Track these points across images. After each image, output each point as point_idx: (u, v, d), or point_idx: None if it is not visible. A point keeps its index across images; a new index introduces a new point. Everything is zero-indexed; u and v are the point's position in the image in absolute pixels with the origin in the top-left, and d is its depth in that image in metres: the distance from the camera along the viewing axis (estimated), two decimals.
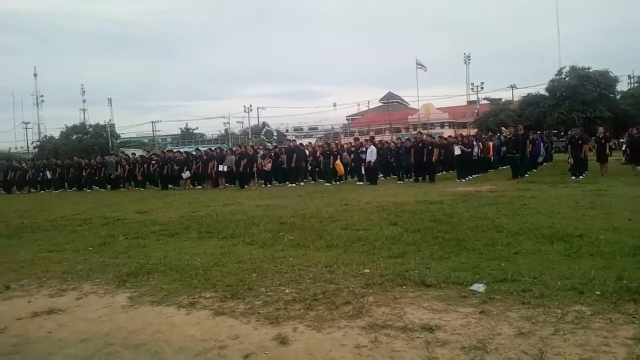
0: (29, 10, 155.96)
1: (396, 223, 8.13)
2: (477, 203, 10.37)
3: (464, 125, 61.24)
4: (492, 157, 22.22)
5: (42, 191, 25.63)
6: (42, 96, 68.99)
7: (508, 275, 4.82)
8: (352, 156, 20.08)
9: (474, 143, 19.72)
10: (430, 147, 17.94)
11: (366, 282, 4.80)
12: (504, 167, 21.56)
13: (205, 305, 4.52)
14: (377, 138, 26.20)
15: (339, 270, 5.31)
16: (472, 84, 62.91)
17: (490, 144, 22.34)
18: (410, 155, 18.40)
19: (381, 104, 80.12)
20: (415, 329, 3.66)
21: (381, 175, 20.44)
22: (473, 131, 38.20)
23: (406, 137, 24.17)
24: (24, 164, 29.43)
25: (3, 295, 5.30)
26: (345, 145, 23.90)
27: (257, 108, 65.72)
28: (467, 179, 18.04)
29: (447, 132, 50.56)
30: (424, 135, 19.91)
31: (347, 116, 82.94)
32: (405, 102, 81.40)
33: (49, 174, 26.08)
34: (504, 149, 20.19)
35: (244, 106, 67.96)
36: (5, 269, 6.41)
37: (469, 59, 63.62)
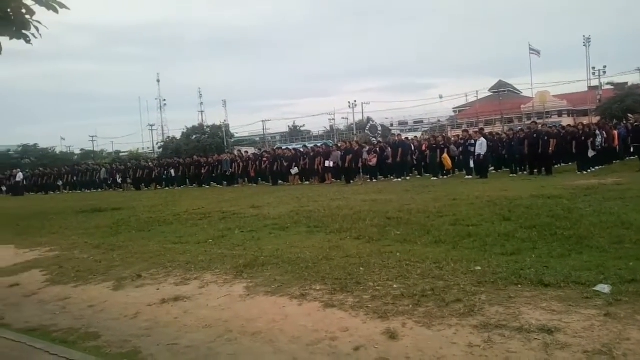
0: (150, 22, 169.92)
1: (509, 218, 7.77)
2: (601, 197, 9.56)
3: (584, 113, 56.50)
4: (617, 147, 20.30)
5: (167, 188, 27.81)
6: (164, 100, 74.76)
7: (637, 275, 4.42)
8: (460, 149, 19.43)
9: (597, 132, 18.16)
10: (546, 138, 16.83)
11: (478, 280, 4.65)
12: (632, 157, 19.58)
13: (316, 297, 4.66)
14: (487, 129, 25.13)
15: (448, 266, 5.20)
16: (594, 68, 57.86)
17: (616, 132, 20.40)
18: (524, 146, 17.40)
19: (491, 94, 76.40)
20: (533, 330, 3.49)
21: (492, 168, 19.55)
22: (595, 119, 35.11)
23: (519, 128, 22.89)
24: (150, 163, 32.11)
25: (135, 283, 5.88)
26: (452, 138, 23.20)
27: (362, 103, 65.85)
28: (589, 171, 16.68)
29: (566, 121, 46.97)
30: (540, 125, 18.72)
31: (454, 108, 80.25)
32: (517, 90, 76.91)
33: (172, 172, 28.24)
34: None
35: (349, 102, 68.51)
36: (137, 259, 7.10)
37: (589, 42, 58.56)
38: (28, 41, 2.86)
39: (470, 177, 18.06)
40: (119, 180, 30.71)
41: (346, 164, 20.54)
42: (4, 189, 36.27)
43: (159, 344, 4.07)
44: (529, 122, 26.03)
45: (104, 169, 33.02)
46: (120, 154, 61.86)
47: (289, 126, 75.77)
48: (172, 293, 5.30)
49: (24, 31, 2.99)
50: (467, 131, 21.38)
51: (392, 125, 65.69)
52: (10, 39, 2.85)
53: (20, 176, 35.41)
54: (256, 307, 4.64)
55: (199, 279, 5.73)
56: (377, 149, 20.94)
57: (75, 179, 33.96)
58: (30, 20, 2.96)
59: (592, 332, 3.39)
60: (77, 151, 65.81)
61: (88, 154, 63.11)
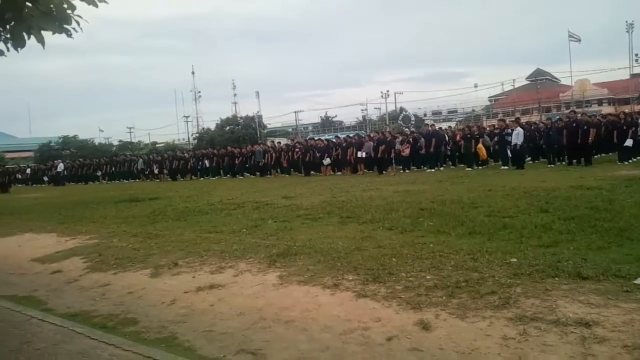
0: (184, 14, 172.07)
1: (547, 210, 7.59)
2: None
3: (626, 102, 54.46)
4: None
5: (202, 178, 28.29)
6: (199, 92, 75.73)
7: None
8: (496, 139, 19.06)
9: (639, 121, 17.50)
10: (585, 127, 16.32)
11: (513, 272, 4.57)
12: None
13: (348, 287, 4.68)
14: (524, 119, 24.52)
15: (483, 258, 5.13)
16: (636, 55, 55.74)
17: None
18: (563, 136, 16.93)
19: (528, 82, 74.38)
20: (570, 323, 3.42)
21: (529, 158, 19.12)
22: (637, 108, 33.77)
23: (557, 117, 22.26)
24: (186, 154, 32.71)
25: (172, 271, 6.03)
26: (487, 128, 22.75)
27: (395, 93, 65.13)
28: (630, 161, 16.12)
29: (606, 110, 45.40)
30: (579, 114, 18.16)
31: (489, 97, 78.52)
32: (556, 78, 74.67)
33: (207, 163, 28.71)
34: None
35: (381, 92, 67.94)
36: (173, 247, 7.26)
37: (632, 27, 56.36)
38: (69, 35, 2.96)
39: (506, 167, 17.72)
40: (156, 171, 31.44)
41: (379, 155, 20.45)
42: (45, 179, 37.61)
43: (195, 330, 4.17)
44: (568, 111, 25.20)
45: (141, 160, 33.84)
46: (157, 145, 63.13)
47: (321, 117, 75.72)
48: (207, 281, 5.41)
49: (65, 25, 3.09)
50: (503, 120, 20.89)
51: (425, 115, 64.88)
52: (53, 33, 2.96)
53: (61, 167, 36.63)
54: (289, 296, 4.69)
55: (233, 267, 5.83)
56: (410, 139, 20.76)
57: (113, 169, 34.94)
58: (72, 14, 3.06)
59: (632, 326, 3.30)
60: (115, 142, 67.49)
61: (126, 145, 64.63)
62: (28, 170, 41.44)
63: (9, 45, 2.91)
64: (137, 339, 4.06)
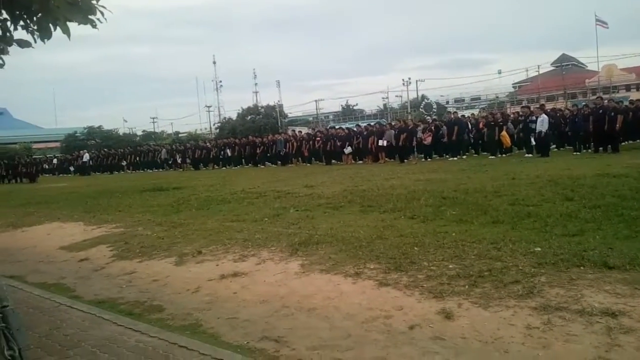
0: (206, 3, 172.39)
1: (572, 198, 7.46)
2: None
3: None
4: None
5: (224, 167, 28.52)
6: (220, 81, 76.00)
7: None
8: (520, 126, 18.74)
9: None
10: (612, 114, 15.94)
11: (537, 261, 4.52)
12: None
13: (370, 275, 4.69)
14: (549, 105, 24.05)
15: (507, 247, 5.08)
16: None
17: None
18: (589, 123, 16.56)
19: (553, 68, 72.75)
20: (595, 313, 3.38)
21: (554, 146, 18.76)
22: None
23: (583, 104, 21.77)
24: (208, 144, 33.01)
25: (196, 259, 6.12)
26: (511, 115, 22.39)
27: (416, 81, 64.30)
28: None
29: (634, 95, 44.20)
30: (606, 101, 17.73)
31: (513, 83, 77.08)
32: (582, 64, 72.87)
33: (228, 152, 28.93)
34: None
35: (403, 80, 67.08)
36: (197, 235, 7.36)
37: None
38: (94, 26, 2.99)
39: (530, 155, 17.43)
40: (179, 160, 31.83)
41: (400, 143, 20.30)
42: (72, 169, 38.37)
43: (219, 317, 4.24)
44: (594, 97, 24.62)
45: (164, 150, 34.28)
46: (180, 135, 63.68)
47: (341, 105, 75.36)
48: (230, 269, 5.48)
49: (90, 16, 3.13)
50: (527, 107, 20.53)
51: (447, 102, 63.99)
52: (79, 24, 3.00)
53: (86, 157, 37.34)
54: (311, 284, 4.72)
55: (256, 255, 5.89)
56: (432, 127, 20.56)
57: (137, 159, 35.48)
58: (96, 5, 3.10)
59: None
60: (139, 132, 68.25)
61: (149, 135, 65.36)
62: (54, 161, 42.33)
63: (36, 36, 2.96)
64: (163, 326, 4.14)
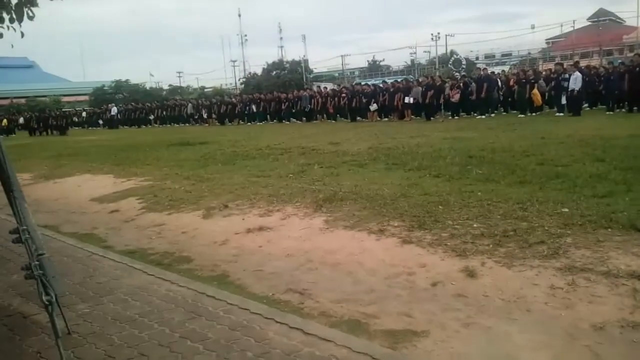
0: None
1: (603, 159, 7.29)
2: None
3: None
4: None
5: (249, 123, 28.57)
6: (245, 36, 75.06)
7: None
8: (552, 84, 18.17)
9: None
10: None
11: (564, 222, 4.48)
12: None
13: (394, 233, 4.72)
14: (583, 63, 23.16)
15: (533, 207, 5.03)
16: None
17: None
18: (625, 81, 15.94)
19: (589, 23, 69.56)
20: (621, 275, 3.36)
21: (586, 105, 18.20)
22: None
23: (620, 61, 20.91)
24: (233, 99, 33.00)
25: (223, 213, 6.23)
26: (543, 72, 21.67)
27: (445, 36, 62.47)
28: None
29: None
30: None
31: (547, 39, 74.16)
32: (620, 19, 69.44)
33: (254, 108, 28.90)
34: None
35: (431, 34, 65.15)
36: (223, 190, 7.47)
37: None
38: None
39: (561, 114, 16.97)
40: (205, 115, 31.97)
41: (427, 100, 19.95)
42: (100, 122, 39.00)
43: (245, 269, 4.35)
44: (632, 54, 23.51)
45: (190, 104, 34.40)
46: (205, 90, 63.75)
47: (368, 61, 73.91)
48: (256, 223, 5.57)
49: None
50: (561, 64, 19.79)
51: (477, 58, 62.14)
52: None
53: (114, 110, 37.83)
54: (335, 240, 4.79)
55: (280, 211, 5.96)
56: (461, 84, 20.09)
57: (164, 113, 35.74)
58: None
59: None
60: (165, 87, 68.54)
61: (175, 89, 65.58)
62: (84, 114, 42.95)
63: None
64: (192, 276, 4.28)
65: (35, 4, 3.14)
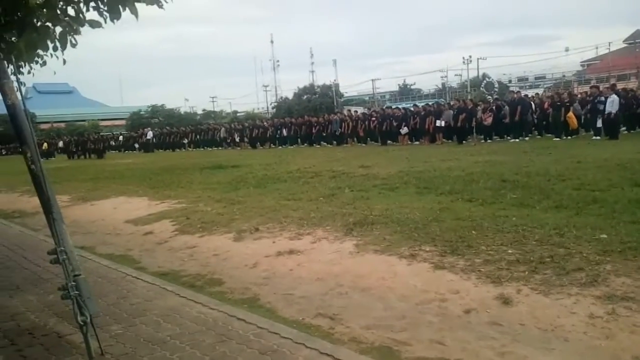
0: None
1: None
2: None
3: None
4: None
5: (280, 147, 28.88)
6: (278, 61, 76.45)
7: None
8: (587, 107, 17.80)
9: None
10: None
11: (603, 249, 4.33)
12: None
13: (425, 258, 4.65)
14: (620, 85, 22.67)
15: (570, 233, 4.89)
16: None
17: None
18: None
19: (626, 45, 68.27)
20: None
21: (624, 128, 17.73)
22: None
23: None
24: (265, 123, 33.50)
25: (254, 236, 6.27)
26: (578, 95, 21.27)
27: (477, 59, 62.09)
28: None
29: None
30: None
31: (581, 62, 72.98)
32: None
33: (284, 132, 29.25)
34: None
35: (463, 58, 64.90)
36: (254, 213, 7.53)
37: None
38: (160, 6, 3.07)
39: (598, 137, 16.56)
40: (237, 139, 32.56)
41: (459, 124, 19.80)
42: (136, 146, 40.07)
43: (275, 292, 4.35)
44: None
45: (223, 128, 35.12)
46: (238, 114, 64.89)
47: (399, 85, 74.07)
48: (286, 246, 5.59)
49: None
50: (596, 87, 19.43)
51: (510, 81, 61.49)
52: (146, 5, 3.08)
53: (150, 134, 38.86)
54: (366, 264, 4.75)
55: (311, 234, 5.96)
56: (493, 108, 19.90)
57: (198, 137, 36.54)
58: None
59: None
60: (199, 111, 70.11)
61: (209, 114, 67.00)
62: (120, 138, 44.33)
63: (106, 17, 3.09)
64: (222, 299, 4.30)
65: (78, 32, 3.27)
